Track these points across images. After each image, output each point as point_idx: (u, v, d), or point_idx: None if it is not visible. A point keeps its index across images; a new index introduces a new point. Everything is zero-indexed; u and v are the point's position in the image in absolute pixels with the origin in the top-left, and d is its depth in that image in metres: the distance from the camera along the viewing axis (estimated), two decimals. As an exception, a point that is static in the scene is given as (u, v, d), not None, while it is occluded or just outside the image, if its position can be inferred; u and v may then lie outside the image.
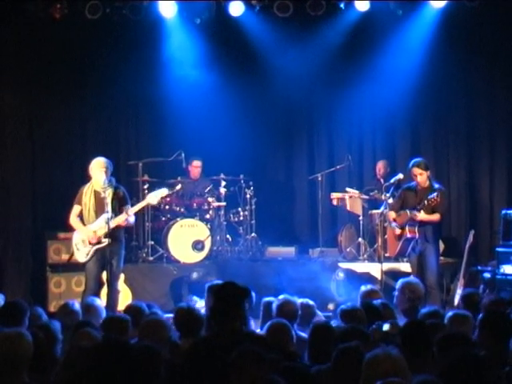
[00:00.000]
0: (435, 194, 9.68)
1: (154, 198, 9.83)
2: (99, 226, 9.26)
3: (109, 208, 9.14)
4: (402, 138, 13.50)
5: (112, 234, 9.13)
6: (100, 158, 9.44)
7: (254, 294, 7.17)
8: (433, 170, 10.48)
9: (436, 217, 9.90)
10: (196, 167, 12.66)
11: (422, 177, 9.96)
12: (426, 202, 9.73)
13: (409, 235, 9.94)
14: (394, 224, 10.20)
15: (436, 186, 10.08)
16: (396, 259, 11.41)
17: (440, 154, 13.23)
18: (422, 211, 9.80)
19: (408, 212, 9.96)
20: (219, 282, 7.47)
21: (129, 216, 9.39)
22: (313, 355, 5.42)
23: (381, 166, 12.70)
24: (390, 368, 3.85)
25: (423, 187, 10.01)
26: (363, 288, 7.52)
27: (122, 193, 9.43)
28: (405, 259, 11.18)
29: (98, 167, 9.32)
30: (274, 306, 6.63)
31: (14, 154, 11.85)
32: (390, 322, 5.54)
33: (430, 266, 9.89)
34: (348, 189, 12.63)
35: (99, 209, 9.27)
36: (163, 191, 9.97)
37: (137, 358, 4.23)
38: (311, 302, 6.99)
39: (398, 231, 10.12)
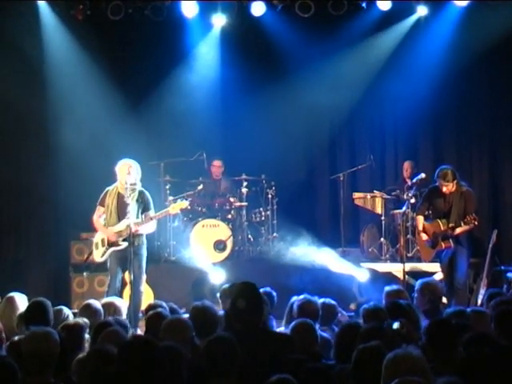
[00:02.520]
0: (472, 217, 9.52)
1: (174, 209, 9.80)
2: (120, 229, 9.28)
3: (130, 211, 9.13)
4: (424, 137, 13.46)
5: (133, 236, 9.13)
6: (126, 160, 9.43)
7: (275, 294, 7.19)
8: (455, 169, 10.41)
9: (470, 226, 9.76)
10: (217, 166, 12.70)
11: (447, 188, 9.80)
12: (462, 223, 9.59)
13: (444, 247, 9.85)
14: (424, 238, 10.05)
15: (464, 188, 9.88)
16: (419, 259, 11.37)
17: (463, 154, 13.17)
18: (457, 229, 9.67)
19: (440, 224, 9.80)
20: (228, 284, 7.51)
21: (151, 221, 9.43)
22: (339, 355, 5.39)
23: (408, 167, 12.59)
24: (410, 368, 3.82)
25: (451, 191, 9.86)
26: (388, 288, 7.47)
27: (147, 197, 9.40)
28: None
29: (124, 168, 9.33)
30: (295, 305, 6.60)
31: (36, 155, 11.89)
32: (399, 320, 5.51)
33: (460, 267, 9.78)
34: (376, 192, 12.57)
35: (121, 212, 9.29)
36: (184, 203, 9.94)
37: (161, 357, 4.24)
38: (333, 302, 6.96)
39: (426, 242, 10.03)
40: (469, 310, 6.40)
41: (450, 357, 4.83)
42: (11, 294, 7.55)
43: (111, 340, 5.25)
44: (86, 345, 5.93)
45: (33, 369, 4.76)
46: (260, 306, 5.47)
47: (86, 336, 6.01)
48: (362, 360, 4.33)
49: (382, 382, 3.92)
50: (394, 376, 3.79)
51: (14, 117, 11.68)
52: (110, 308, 7.20)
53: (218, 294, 7.59)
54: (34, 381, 4.73)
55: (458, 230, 9.66)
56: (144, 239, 9.41)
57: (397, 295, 7.06)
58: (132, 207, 9.14)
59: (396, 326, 5.35)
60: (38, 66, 11.99)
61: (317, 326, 6.23)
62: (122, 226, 9.27)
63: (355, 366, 4.39)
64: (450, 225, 9.67)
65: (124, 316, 7.31)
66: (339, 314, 7.03)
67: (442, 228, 9.76)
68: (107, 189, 9.46)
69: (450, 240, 9.74)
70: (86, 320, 6.20)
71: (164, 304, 6.98)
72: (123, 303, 7.70)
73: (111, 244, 9.34)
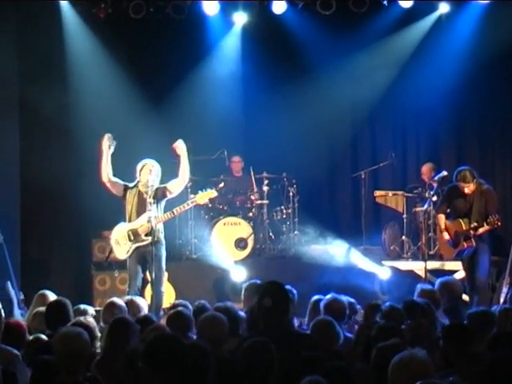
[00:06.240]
0: (495, 218, 9.45)
1: (202, 198, 9.80)
2: (140, 224, 9.31)
3: (151, 207, 9.18)
4: (446, 135, 13.42)
5: (153, 234, 9.16)
6: (147, 160, 9.48)
7: (295, 292, 7.18)
8: (478, 168, 10.35)
9: (493, 226, 9.60)
10: (236, 162, 12.75)
11: (469, 188, 9.67)
12: (485, 223, 9.47)
13: (466, 246, 9.76)
14: (446, 237, 9.96)
15: (484, 187, 9.79)
16: (441, 257, 11.32)
17: (485, 151, 13.12)
18: (480, 229, 9.59)
19: (462, 223, 9.71)
20: (256, 281, 7.49)
21: (175, 216, 9.48)
22: (358, 354, 5.38)
23: (425, 170, 12.44)
24: (416, 370, 3.82)
25: (472, 190, 9.79)
26: (420, 286, 7.44)
27: (160, 187, 9.40)
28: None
29: (145, 169, 9.39)
30: (322, 304, 6.57)
31: (58, 155, 11.89)
32: (420, 321, 5.51)
33: (481, 265, 9.71)
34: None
35: (141, 209, 9.32)
36: (212, 192, 9.87)
37: (188, 356, 4.23)
38: (352, 300, 6.96)
39: (448, 241, 9.95)
40: (495, 308, 6.34)
41: (468, 361, 4.81)
42: (43, 292, 7.62)
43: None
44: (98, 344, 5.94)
45: (63, 368, 4.78)
46: (286, 304, 5.47)
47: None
48: (380, 358, 4.33)
49: None
50: (400, 379, 3.79)
51: (36, 117, 11.70)
52: (133, 306, 7.23)
53: (243, 292, 7.58)
54: (65, 380, 4.75)
55: (481, 230, 9.58)
56: (163, 238, 9.42)
57: (428, 294, 7.02)
58: (152, 203, 9.19)
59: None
60: (60, 65, 12.01)
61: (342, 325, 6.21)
62: (142, 220, 9.30)
63: (375, 365, 4.39)
64: (473, 225, 9.59)
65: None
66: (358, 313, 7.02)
67: (464, 227, 9.68)
68: (129, 184, 9.48)
69: (472, 239, 9.68)
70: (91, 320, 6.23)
71: (188, 304, 6.98)
72: (144, 302, 7.73)
73: (135, 240, 9.36)
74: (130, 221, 9.41)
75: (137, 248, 9.35)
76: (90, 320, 6.20)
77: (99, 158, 9.55)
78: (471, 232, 9.60)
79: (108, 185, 9.49)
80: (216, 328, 5.45)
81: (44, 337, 6.03)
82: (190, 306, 6.87)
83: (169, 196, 9.45)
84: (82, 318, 6.23)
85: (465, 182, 9.64)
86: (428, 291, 7.20)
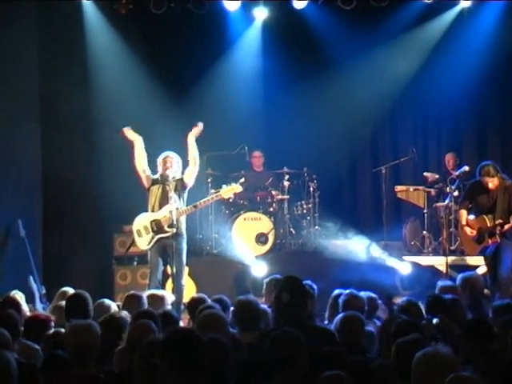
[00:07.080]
0: None
1: (227, 192, 9.81)
2: (163, 215, 9.33)
3: (173, 200, 9.21)
4: (468, 129, 13.37)
5: (175, 226, 9.19)
6: (167, 152, 9.52)
7: (315, 287, 7.18)
8: (499, 162, 10.28)
9: None
10: (257, 157, 12.75)
11: (493, 183, 9.54)
12: (511, 220, 9.39)
13: (491, 243, 9.68)
14: (469, 233, 9.86)
15: (507, 182, 9.69)
16: (462, 252, 11.28)
17: (507, 145, 13.07)
18: (505, 225, 9.51)
19: (487, 220, 9.63)
20: (278, 276, 7.48)
21: (197, 209, 9.52)
22: (382, 349, 5.37)
23: (449, 158, 12.51)
24: (439, 365, 3.81)
25: (495, 185, 9.70)
26: (440, 283, 7.41)
27: (180, 178, 9.42)
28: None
29: (165, 161, 9.43)
30: (340, 301, 6.55)
31: (80, 149, 11.96)
32: (439, 316, 5.49)
33: (503, 261, 9.59)
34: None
35: (164, 202, 9.36)
36: (237, 187, 9.87)
37: (205, 350, 4.23)
38: (373, 295, 6.95)
39: (472, 237, 9.85)
40: None
41: (488, 357, 4.79)
42: (64, 289, 7.66)
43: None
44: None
45: (75, 360, 4.83)
46: (304, 299, 5.46)
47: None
48: (401, 354, 4.33)
49: (412, 381, 3.91)
50: (424, 373, 3.79)
51: (58, 113, 11.75)
52: (155, 300, 7.24)
53: (264, 287, 7.58)
54: (76, 372, 4.80)
55: (507, 227, 9.49)
56: (184, 232, 9.45)
57: (449, 291, 6.99)
58: (173, 195, 9.23)
59: (436, 321, 5.34)
60: (81, 61, 12.05)
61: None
62: (164, 211, 9.33)
63: (396, 360, 4.39)
64: (498, 221, 9.49)
65: (169, 308, 7.33)
66: (380, 308, 7.00)
67: (489, 224, 9.57)
68: (154, 176, 9.52)
69: (497, 236, 9.60)
70: (126, 313, 6.22)
71: (206, 297, 6.98)
72: (168, 295, 7.73)
73: (157, 231, 9.39)
74: (153, 212, 9.45)
75: (159, 239, 9.38)
76: (125, 313, 6.19)
77: (132, 149, 9.56)
78: (497, 229, 9.51)
79: (142, 175, 9.51)
80: (214, 327, 5.38)
81: (63, 331, 6.05)
82: (209, 300, 6.88)
83: (188, 186, 9.48)
84: (117, 313, 6.23)
85: (489, 176, 9.51)
86: (448, 287, 7.17)
